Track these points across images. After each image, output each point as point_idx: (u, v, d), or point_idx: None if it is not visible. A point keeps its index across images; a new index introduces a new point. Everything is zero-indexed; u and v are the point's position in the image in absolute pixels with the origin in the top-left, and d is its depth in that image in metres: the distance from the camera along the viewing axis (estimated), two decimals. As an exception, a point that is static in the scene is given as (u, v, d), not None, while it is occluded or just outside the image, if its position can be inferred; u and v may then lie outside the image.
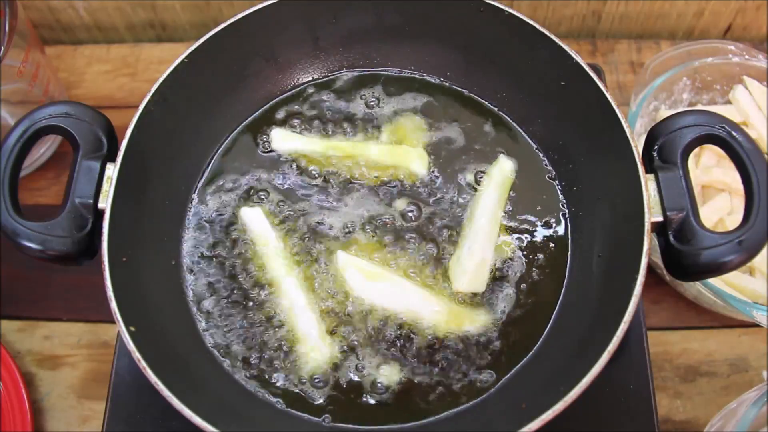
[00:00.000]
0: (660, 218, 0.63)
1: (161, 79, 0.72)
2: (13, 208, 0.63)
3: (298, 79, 0.84)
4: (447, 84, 0.84)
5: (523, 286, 0.72)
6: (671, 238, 0.63)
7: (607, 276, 0.68)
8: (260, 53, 0.80)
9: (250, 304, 0.71)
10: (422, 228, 0.75)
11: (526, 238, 0.74)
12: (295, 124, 0.81)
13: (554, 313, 0.71)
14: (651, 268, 0.90)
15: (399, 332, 0.70)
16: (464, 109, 0.82)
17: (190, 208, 0.76)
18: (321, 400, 0.67)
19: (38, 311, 0.94)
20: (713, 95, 0.98)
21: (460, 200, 0.76)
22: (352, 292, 0.71)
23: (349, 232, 0.75)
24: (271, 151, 0.80)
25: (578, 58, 0.71)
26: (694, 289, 0.85)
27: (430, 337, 0.69)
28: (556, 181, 0.77)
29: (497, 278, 0.72)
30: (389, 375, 0.68)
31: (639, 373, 0.75)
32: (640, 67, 1.07)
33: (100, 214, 0.65)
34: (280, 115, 0.82)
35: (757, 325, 0.86)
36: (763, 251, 0.61)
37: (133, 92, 1.11)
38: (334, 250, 0.73)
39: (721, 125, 0.64)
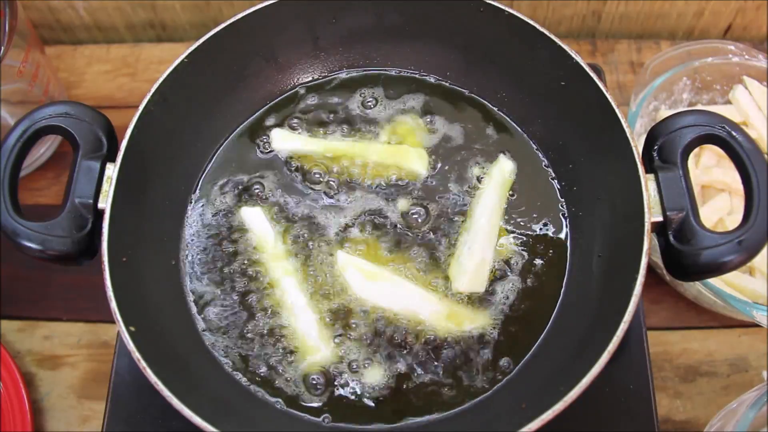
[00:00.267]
0: (660, 218, 0.63)
1: (161, 79, 0.72)
2: (13, 208, 0.63)
3: (298, 79, 0.84)
4: (447, 84, 0.84)
5: (522, 286, 0.72)
6: (671, 238, 0.63)
7: (607, 276, 0.68)
8: (260, 53, 0.80)
9: (250, 304, 0.71)
10: (422, 228, 0.75)
11: (526, 238, 0.74)
12: (295, 124, 0.81)
13: (554, 313, 0.71)
14: (651, 268, 0.90)
15: (399, 332, 0.70)
16: (464, 109, 0.82)
17: (190, 208, 0.76)
18: (321, 400, 0.67)
19: (38, 311, 0.94)
20: (713, 95, 0.98)
21: (460, 200, 0.76)
22: (351, 292, 0.71)
23: (349, 232, 0.75)
24: (271, 151, 0.80)
25: (578, 58, 0.71)
26: (694, 289, 0.85)
27: (430, 337, 0.69)
28: (556, 181, 0.77)
29: (497, 278, 0.72)
30: (389, 375, 0.68)
31: (639, 373, 0.75)
32: (640, 67, 1.07)
33: (100, 214, 0.65)
34: (280, 115, 0.82)
35: (757, 325, 0.85)
36: (763, 251, 0.61)
37: (133, 92, 1.11)
38: (334, 250, 0.74)
39: (721, 125, 0.64)
